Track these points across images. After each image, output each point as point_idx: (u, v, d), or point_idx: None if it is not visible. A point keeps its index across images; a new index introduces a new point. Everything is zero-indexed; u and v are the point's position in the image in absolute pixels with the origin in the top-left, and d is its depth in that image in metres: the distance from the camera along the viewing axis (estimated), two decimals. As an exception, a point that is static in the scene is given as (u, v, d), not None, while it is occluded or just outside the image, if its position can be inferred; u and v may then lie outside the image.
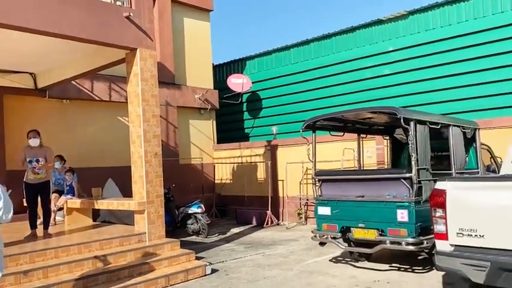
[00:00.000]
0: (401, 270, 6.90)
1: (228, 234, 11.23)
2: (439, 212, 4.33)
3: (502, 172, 5.84)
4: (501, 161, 7.24)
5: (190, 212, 10.67)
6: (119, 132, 11.34)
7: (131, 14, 7.32)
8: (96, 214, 9.98)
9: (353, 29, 13.68)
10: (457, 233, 4.19)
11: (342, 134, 8.86)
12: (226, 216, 14.25)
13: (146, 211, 7.47)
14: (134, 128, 7.67)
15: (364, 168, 9.66)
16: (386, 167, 9.96)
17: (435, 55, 11.89)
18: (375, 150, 11.14)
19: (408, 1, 26.26)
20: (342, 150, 11.01)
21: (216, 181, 14.95)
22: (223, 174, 14.87)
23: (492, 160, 8.67)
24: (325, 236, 7.40)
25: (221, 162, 14.87)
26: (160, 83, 9.62)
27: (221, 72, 17.49)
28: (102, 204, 8.57)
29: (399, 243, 6.42)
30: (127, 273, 6.48)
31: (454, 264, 4.23)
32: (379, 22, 13.09)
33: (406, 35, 12.52)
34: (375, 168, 10.65)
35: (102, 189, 9.48)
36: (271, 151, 13.50)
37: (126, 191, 9.48)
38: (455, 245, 4.26)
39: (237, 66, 17.14)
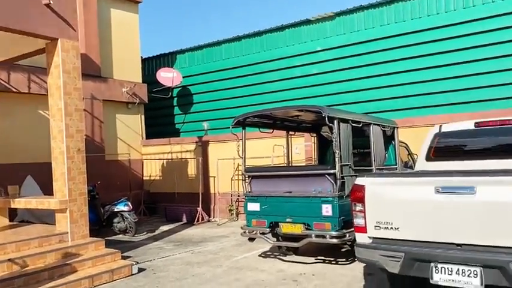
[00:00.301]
0: (326, 263, 7.17)
1: (157, 232, 11.02)
2: (358, 206, 4.53)
3: (417, 168, 6.24)
4: (417, 158, 7.75)
5: (116, 210, 10.32)
6: (39, 126, 10.68)
7: (51, 2, 6.90)
8: (13, 214, 9.34)
9: (282, 28, 13.94)
10: (375, 226, 4.41)
11: (271, 131, 9.01)
12: (155, 214, 13.95)
13: (68, 210, 7.12)
14: (55, 122, 7.26)
15: (293, 165, 9.90)
16: (314, 163, 10.28)
17: (360, 56, 12.45)
18: (303, 147, 11.45)
19: (338, 2, 27.18)
20: (272, 146, 11.19)
21: (144, 178, 14.58)
22: (152, 170, 14.54)
23: (409, 157, 9.26)
24: (255, 232, 7.50)
25: (150, 158, 14.52)
26: (85, 75, 9.18)
27: (150, 65, 17.07)
28: (19, 203, 8.03)
29: (324, 237, 6.66)
30: (47, 275, 6.14)
31: (373, 256, 4.43)
32: (308, 22, 13.46)
33: (333, 35, 12.99)
34: (303, 164, 10.96)
35: (20, 187, 8.89)
36: (203, 147, 13.42)
37: (48, 189, 8.96)
38: (373, 238, 4.46)
39: (167, 60, 16.81)
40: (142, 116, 14.69)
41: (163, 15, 49.69)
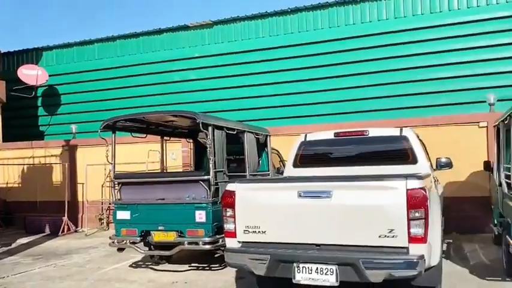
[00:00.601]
0: (200, 269, 7.14)
1: (14, 245, 9.92)
2: (229, 212, 4.63)
3: (285, 174, 6.60)
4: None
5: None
6: None
7: None
8: None
9: (160, 31, 13.74)
10: (244, 231, 4.53)
11: (144, 135, 8.75)
12: (12, 225, 12.56)
13: None
14: None
15: (167, 171, 9.73)
16: (190, 169, 10.22)
17: (237, 65, 12.82)
18: (180, 153, 11.34)
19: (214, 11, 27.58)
20: (147, 152, 10.88)
21: None
22: (9, 177, 13.08)
23: (281, 163, 9.75)
24: (124, 241, 7.16)
25: (7, 163, 13.06)
26: None
27: (10, 61, 15.46)
28: None
29: (197, 243, 6.62)
30: None
31: (242, 260, 4.55)
32: (186, 28, 13.45)
33: (211, 43, 13.18)
34: (178, 170, 10.84)
35: None
36: (70, 151, 12.51)
37: None
38: (243, 242, 4.59)
39: (30, 56, 15.37)
40: (0, 117, 13.19)
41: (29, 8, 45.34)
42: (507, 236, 5.65)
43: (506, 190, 5.61)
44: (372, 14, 11.74)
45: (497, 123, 6.89)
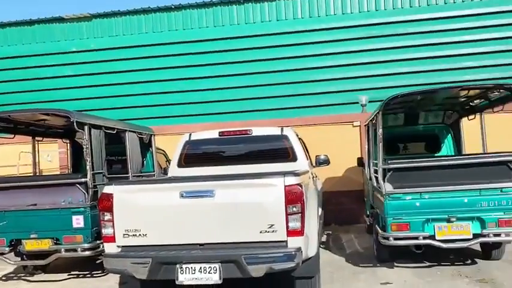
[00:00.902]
0: (81, 277, 6.75)
1: None
2: (107, 216, 4.41)
3: (170, 175, 6.48)
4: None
5: None
6: None
7: None
8: None
9: (31, 22, 12.55)
10: (124, 234, 4.36)
11: (12, 136, 7.93)
12: None
13: None
14: None
15: (41, 174, 8.96)
16: (68, 171, 9.53)
17: (118, 61, 12.26)
18: (57, 154, 10.53)
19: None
20: (18, 153, 9.89)
21: None
22: None
23: (167, 163, 9.55)
24: (-9, 253, 6.43)
25: None
26: None
27: None
28: None
29: (75, 250, 6.22)
30: None
31: (122, 265, 4.37)
32: (61, 20, 12.50)
33: (90, 37, 12.43)
34: (54, 173, 10.06)
35: None
36: None
37: None
38: (122, 246, 4.42)
39: None
40: None
41: None
42: (376, 226, 6.24)
43: (375, 184, 6.15)
44: (255, 15, 12.06)
45: (367, 123, 7.56)
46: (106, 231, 4.43)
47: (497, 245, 6.04)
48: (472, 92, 6.30)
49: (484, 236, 5.50)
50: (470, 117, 7.50)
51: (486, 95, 6.25)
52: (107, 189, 4.45)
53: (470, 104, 7.09)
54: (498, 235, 5.50)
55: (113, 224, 4.37)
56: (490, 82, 6.25)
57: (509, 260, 6.18)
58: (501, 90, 5.79)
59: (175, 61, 12.14)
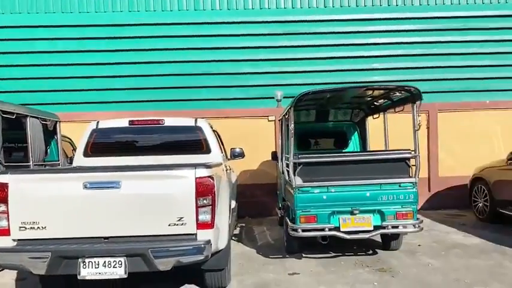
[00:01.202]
0: (-32, 275, 6.13)
1: None
2: (1, 207, 4.06)
3: (74, 164, 6.12)
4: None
5: None
6: None
7: None
8: None
9: None
10: (20, 227, 4.06)
11: None
12: None
13: None
14: None
15: None
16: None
17: (18, 41, 11.29)
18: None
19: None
20: None
21: None
22: None
23: (74, 152, 9.00)
24: None
25: None
26: None
27: None
28: None
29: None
30: None
31: (18, 260, 4.07)
32: None
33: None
34: None
35: None
36: None
37: None
38: (18, 240, 4.12)
39: None
40: None
41: None
42: (287, 218, 6.42)
43: (287, 177, 6.33)
44: (172, 3, 11.72)
45: (280, 118, 7.73)
46: (0, 223, 4.08)
47: (396, 237, 6.45)
48: (376, 92, 6.69)
49: (384, 227, 5.87)
50: (375, 116, 7.96)
51: (389, 95, 6.67)
52: (1, 178, 4.09)
53: (375, 103, 7.52)
54: (396, 227, 5.91)
55: (8, 215, 4.04)
56: (394, 83, 6.62)
57: (405, 250, 6.67)
58: (402, 92, 6.19)
59: (85, 45, 11.43)
